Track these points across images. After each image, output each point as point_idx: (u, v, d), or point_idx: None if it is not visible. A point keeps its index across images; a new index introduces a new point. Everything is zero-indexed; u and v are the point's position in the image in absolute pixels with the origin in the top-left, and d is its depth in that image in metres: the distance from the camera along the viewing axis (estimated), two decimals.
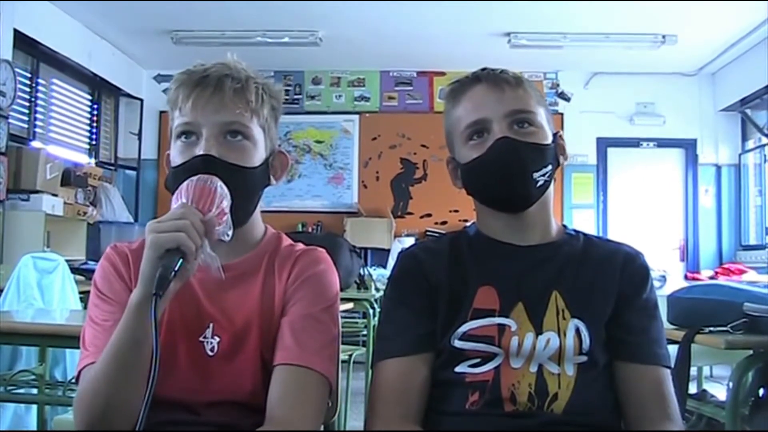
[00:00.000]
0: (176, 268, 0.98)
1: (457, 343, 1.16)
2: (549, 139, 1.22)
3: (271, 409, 1.10)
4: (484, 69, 1.26)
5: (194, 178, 1.08)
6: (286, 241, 1.28)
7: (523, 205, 1.21)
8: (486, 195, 1.24)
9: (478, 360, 1.16)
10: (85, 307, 3.55)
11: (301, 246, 1.27)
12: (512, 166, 1.18)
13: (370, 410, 1.18)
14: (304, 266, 1.21)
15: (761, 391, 2.09)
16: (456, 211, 7.06)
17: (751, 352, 1.98)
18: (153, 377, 0.92)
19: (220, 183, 1.08)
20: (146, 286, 0.99)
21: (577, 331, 1.16)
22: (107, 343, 1.05)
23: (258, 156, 1.19)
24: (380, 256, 6.88)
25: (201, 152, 1.13)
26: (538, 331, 1.16)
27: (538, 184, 1.19)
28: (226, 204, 1.08)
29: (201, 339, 1.16)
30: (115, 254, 1.23)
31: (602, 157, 7.39)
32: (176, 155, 1.17)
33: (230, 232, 1.09)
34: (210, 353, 1.16)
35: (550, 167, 1.21)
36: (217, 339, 1.17)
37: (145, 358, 1.01)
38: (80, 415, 1.07)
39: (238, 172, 1.15)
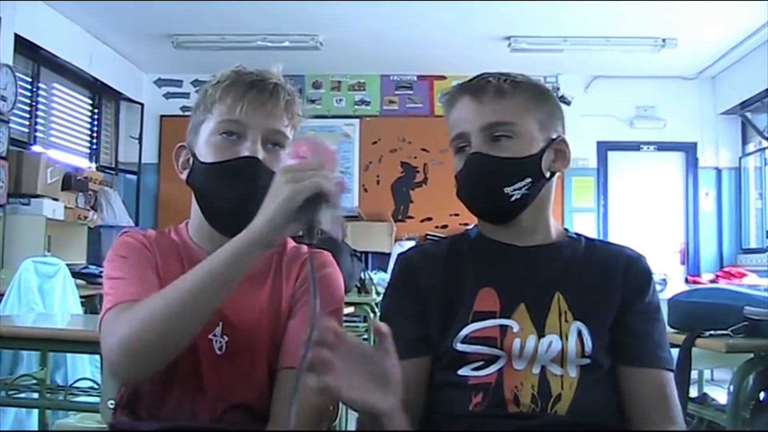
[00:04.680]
0: (318, 217, 0.93)
1: (460, 347, 1.16)
2: (534, 149, 1.19)
3: (274, 412, 1.10)
4: (482, 75, 1.23)
5: (316, 139, 0.99)
6: (291, 242, 1.28)
7: (498, 219, 1.22)
8: (468, 207, 1.25)
9: (480, 363, 1.15)
10: (86, 311, 3.56)
11: (305, 248, 1.27)
12: (480, 181, 1.19)
13: None
14: None
15: (762, 395, 2.09)
16: (456, 214, 7.05)
17: (751, 355, 1.98)
18: None
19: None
20: (261, 235, 0.96)
21: (579, 334, 1.16)
22: (175, 280, 1.02)
23: None
24: (381, 259, 6.88)
25: (247, 153, 1.14)
26: (540, 334, 1.16)
27: (513, 198, 1.18)
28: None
29: (210, 336, 1.17)
30: (137, 236, 1.22)
31: (602, 160, 7.39)
32: (212, 150, 1.17)
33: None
34: (218, 352, 1.16)
35: (528, 180, 1.18)
36: (226, 339, 1.17)
37: (215, 304, 1.01)
38: (118, 349, 1.01)
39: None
